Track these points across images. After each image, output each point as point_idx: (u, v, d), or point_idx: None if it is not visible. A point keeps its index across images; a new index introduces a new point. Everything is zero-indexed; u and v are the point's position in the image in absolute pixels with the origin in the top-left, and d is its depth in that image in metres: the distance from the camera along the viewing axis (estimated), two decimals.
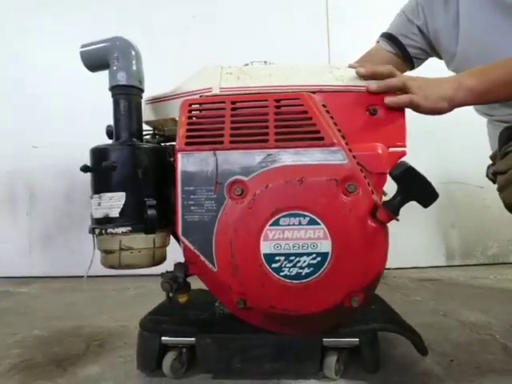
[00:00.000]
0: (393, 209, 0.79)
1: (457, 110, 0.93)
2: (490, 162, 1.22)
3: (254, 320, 0.89)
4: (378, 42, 1.38)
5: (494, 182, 1.18)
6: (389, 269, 2.21)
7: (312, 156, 0.81)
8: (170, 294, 0.94)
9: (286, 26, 2.38)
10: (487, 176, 1.22)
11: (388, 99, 0.87)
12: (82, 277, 1.75)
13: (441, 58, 1.32)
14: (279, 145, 0.82)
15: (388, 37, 1.34)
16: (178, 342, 0.94)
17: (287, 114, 0.85)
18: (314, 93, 0.87)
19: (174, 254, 0.97)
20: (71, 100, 2.34)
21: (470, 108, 1.26)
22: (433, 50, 1.32)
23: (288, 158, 0.82)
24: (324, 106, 0.86)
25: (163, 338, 0.93)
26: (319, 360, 0.89)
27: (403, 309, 1.44)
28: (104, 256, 0.92)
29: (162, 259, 0.95)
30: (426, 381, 0.91)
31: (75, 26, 2.33)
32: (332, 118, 0.85)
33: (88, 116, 2.22)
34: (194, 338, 0.92)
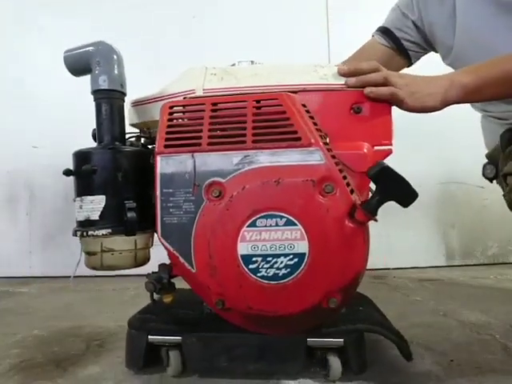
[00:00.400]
0: (371, 209, 0.78)
1: (457, 110, 0.92)
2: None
3: (235, 320, 0.89)
4: (372, 36, 1.37)
5: (491, 181, 1.17)
6: (388, 269, 2.21)
7: (289, 157, 0.80)
8: (154, 295, 0.94)
9: (286, 25, 2.37)
10: (483, 175, 1.21)
11: (368, 89, 0.86)
12: (82, 277, 1.78)
13: (437, 51, 1.31)
14: (257, 146, 0.82)
15: (383, 30, 1.34)
16: (164, 341, 0.94)
17: (266, 115, 0.84)
18: (296, 92, 0.87)
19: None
20: (71, 100, 2.32)
21: (469, 107, 1.25)
22: (428, 44, 1.31)
23: (265, 158, 0.81)
24: (304, 105, 0.85)
25: (150, 337, 0.94)
26: (303, 360, 0.89)
27: (403, 309, 1.45)
28: (87, 257, 0.94)
29: (146, 260, 0.96)
30: (426, 381, 0.90)
31: (75, 26, 2.34)
32: (312, 117, 0.84)
33: (88, 116, 2.21)
34: (180, 337, 0.92)
